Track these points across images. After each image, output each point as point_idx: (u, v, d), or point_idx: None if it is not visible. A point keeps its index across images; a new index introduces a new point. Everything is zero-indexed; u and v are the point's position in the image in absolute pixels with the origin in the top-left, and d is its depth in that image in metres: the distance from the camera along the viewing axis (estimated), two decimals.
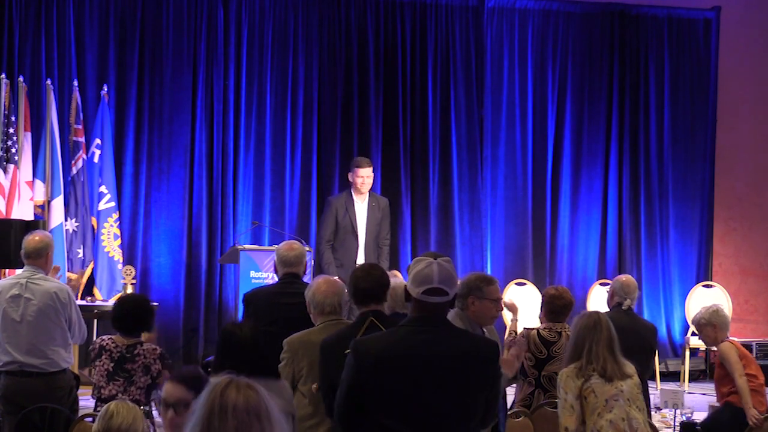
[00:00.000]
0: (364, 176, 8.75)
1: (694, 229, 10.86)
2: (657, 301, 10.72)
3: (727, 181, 10.99)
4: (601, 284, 10.10)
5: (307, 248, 8.28)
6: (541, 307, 5.84)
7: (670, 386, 8.85)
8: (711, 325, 6.26)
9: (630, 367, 4.80)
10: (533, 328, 5.76)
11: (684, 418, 6.57)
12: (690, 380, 9.85)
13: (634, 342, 5.76)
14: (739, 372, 6.08)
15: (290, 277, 5.61)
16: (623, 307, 6.22)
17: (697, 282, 10.54)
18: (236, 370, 4.00)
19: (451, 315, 4.48)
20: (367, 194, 8.84)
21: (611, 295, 6.37)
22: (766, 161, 11.04)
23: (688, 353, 9.82)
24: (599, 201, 10.70)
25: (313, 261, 8.99)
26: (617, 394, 4.68)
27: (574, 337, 4.85)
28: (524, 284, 10.03)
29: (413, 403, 3.25)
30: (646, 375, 6.23)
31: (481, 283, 4.66)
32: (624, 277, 6.53)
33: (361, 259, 8.60)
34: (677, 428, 6.46)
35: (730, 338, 6.34)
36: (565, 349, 5.07)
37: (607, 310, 6.32)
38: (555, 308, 5.71)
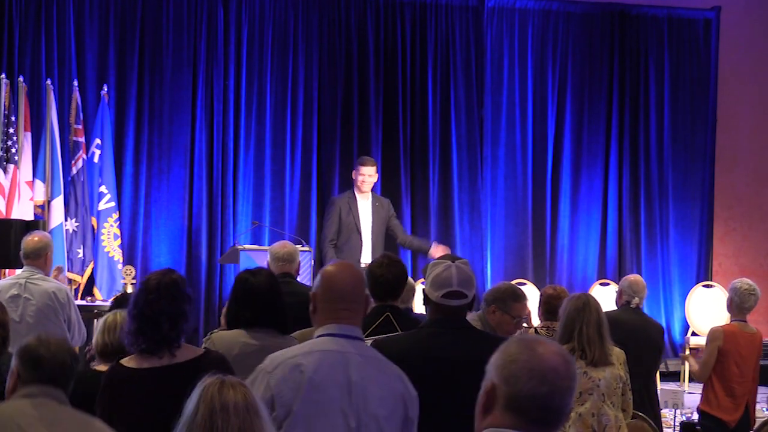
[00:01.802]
0: (366, 174, 8.81)
1: (694, 229, 10.86)
2: (657, 301, 10.71)
3: (727, 181, 10.98)
4: (601, 284, 10.11)
5: (307, 248, 8.32)
6: (539, 306, 5.84)
7: (670, 386, 8.84)
8: (728, 298, 6.17)
9: (616, 356, 4.75)
10: (530, 327, 5.76)
11: (684, 418, 6.56)
12: (690, 380, 9.83)
13: (644, 341, 5.75)
14: (704, 366, 6.00)
15: (283, 277, 5.61)
16: (632, 306, 6.19)
17: (697, 282, 10.53)
18: (252, 322, 4.00)
19: (472, 317, 4.50)
20: (370, 194, 8.88)
21: (619, 294, 6.32)
22: (766, 161, 11.04)
23: (688, 353, 9.80)
24: (599, 201, 10.70)
25: (313, 261, 8.99)
26: (592, 388, 4.65)
27: (563, 318, 4.83)
28: (524, 284, 10.01)
29: (433, 404, 3.24)
30: (654, 374, 6.20)
31: (507, 297, 4.68)
32: (632, 277, 6.50)
33: (365, 258, 8.60)
34: (677, 428, 6.45)
35: (741, 323, 6.10)
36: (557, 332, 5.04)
37: (615, 308, 6.26)
38: (552, 308, 5.70)
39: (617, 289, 6.45)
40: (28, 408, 2.78)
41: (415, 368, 3.23)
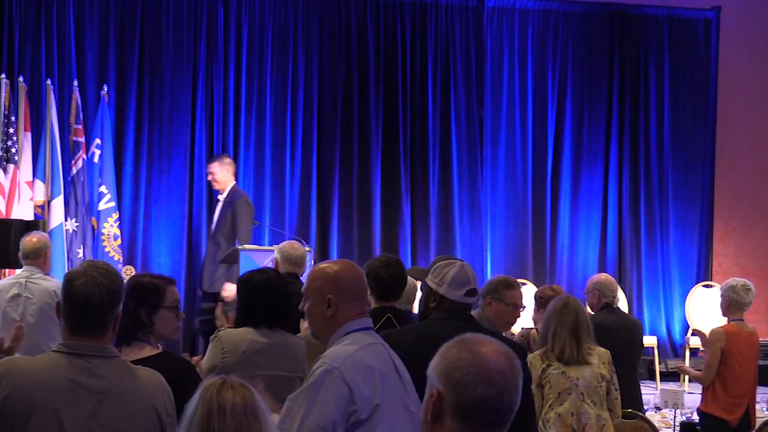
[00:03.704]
0: (208, 172, 8.72)
1: (694, 229, 10.87)
2: (657, 301, 10.72)
3: (727, 181, 10.99)
4: None
5: (307, 248, 8.32)
6: (539, 307, 5.82)
7: (670, 386, 8.84)
8: (724, 298, 6.14)
9: (598, 356, 4.76)
10: (532, 328, 5.76)
11: (684, 418, 6.56)
12: (690, 380, 9.83)
13: (627, 341, 5.73)
14: (708, 369, 6.00)
15: (289, 277, 5.63)
16: (614, 307, 6.11)
17: (697, 282, 10.54)
18: (261, 321, 4.00)
19: (474, 314, 4.50)
20: (228, 190, 8.63)
21: (597, 297, 6.07)
22: (766, 161, 11.04)
23: (688, 353, 9.81)
24: (599, 201, 10.71)
25: (313, 261, 8.99)
26: (570, 387, 4.65)
27: (544, 320, 4.85)
28: (524, 284, 10.01)
29: None
30: (636, 374, 6.14)
31: (500, 286, 4.68)
32: (603, 276, 6.30)
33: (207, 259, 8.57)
34: (677, 428, 6.45)
35: (740, 323, 6.08)
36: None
37: (594, 312, 6.03)
38: None
39: (590, 291, 6.14)
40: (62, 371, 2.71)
41: (428, 355, 3.25)
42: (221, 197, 8.69)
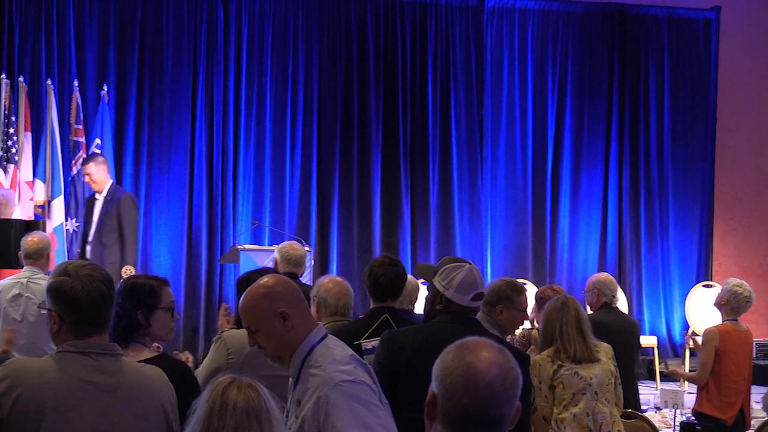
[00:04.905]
0: (85, 173, 8.38)
1: (694, 229, 10.88)
2: (657, 301, 10.72)
3: (727, 181, 10.99)
4: None
5: (307, 248, 8.32)
6: (539, 307, 5.81)
7: (670, 386, 8.83)
8: (723, 297, 6.16)
9: (602, 353, 4.75)
10: (533, 328, 5.75)
11: (684, 418, 6.56)
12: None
13: (625, 340, 5.73)
14: (703, 368, 6.02)
15: (289, 277, 5.60)
16: (613, 306, 6.12)
17: (697, 282, 10.54)
18: None
19: (480, 318, 4.51)
20: (108, 188, 8.33)
21: (597, 296, 6.09)
22: (766, 161, 11.05)
23: (688, 353, 9.81)
24: (599, 201, 10.71)
25: (313, 261, 8.99)
26: (584, 387, 4.63)
27: (544, 321, 4.81)
28: (524, 284, 10.00)
29: None
30: (635, 371, 6.14)
31: (512, 293, 4.69)
32: (603, 276, 6.29)
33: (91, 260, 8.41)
34: (677, 428, 6.45)
35: (734, 322, 6.12)
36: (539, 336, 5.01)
37: (591, 312, 6.05)
38: None
39: (590, 290, 6.15)
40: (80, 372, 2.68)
41: (434, 356, 3.25)
42: (100, 196, 8.31)
